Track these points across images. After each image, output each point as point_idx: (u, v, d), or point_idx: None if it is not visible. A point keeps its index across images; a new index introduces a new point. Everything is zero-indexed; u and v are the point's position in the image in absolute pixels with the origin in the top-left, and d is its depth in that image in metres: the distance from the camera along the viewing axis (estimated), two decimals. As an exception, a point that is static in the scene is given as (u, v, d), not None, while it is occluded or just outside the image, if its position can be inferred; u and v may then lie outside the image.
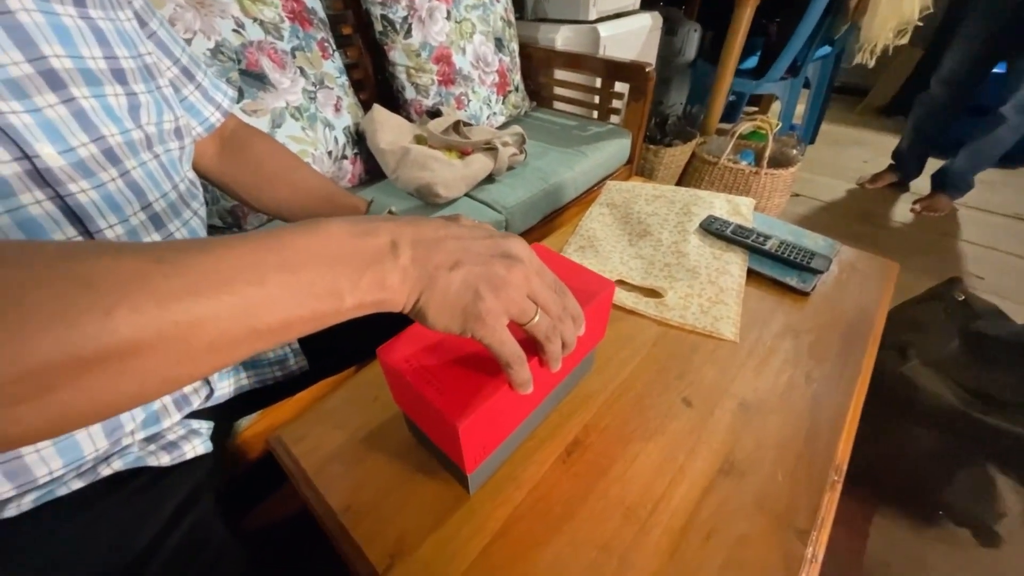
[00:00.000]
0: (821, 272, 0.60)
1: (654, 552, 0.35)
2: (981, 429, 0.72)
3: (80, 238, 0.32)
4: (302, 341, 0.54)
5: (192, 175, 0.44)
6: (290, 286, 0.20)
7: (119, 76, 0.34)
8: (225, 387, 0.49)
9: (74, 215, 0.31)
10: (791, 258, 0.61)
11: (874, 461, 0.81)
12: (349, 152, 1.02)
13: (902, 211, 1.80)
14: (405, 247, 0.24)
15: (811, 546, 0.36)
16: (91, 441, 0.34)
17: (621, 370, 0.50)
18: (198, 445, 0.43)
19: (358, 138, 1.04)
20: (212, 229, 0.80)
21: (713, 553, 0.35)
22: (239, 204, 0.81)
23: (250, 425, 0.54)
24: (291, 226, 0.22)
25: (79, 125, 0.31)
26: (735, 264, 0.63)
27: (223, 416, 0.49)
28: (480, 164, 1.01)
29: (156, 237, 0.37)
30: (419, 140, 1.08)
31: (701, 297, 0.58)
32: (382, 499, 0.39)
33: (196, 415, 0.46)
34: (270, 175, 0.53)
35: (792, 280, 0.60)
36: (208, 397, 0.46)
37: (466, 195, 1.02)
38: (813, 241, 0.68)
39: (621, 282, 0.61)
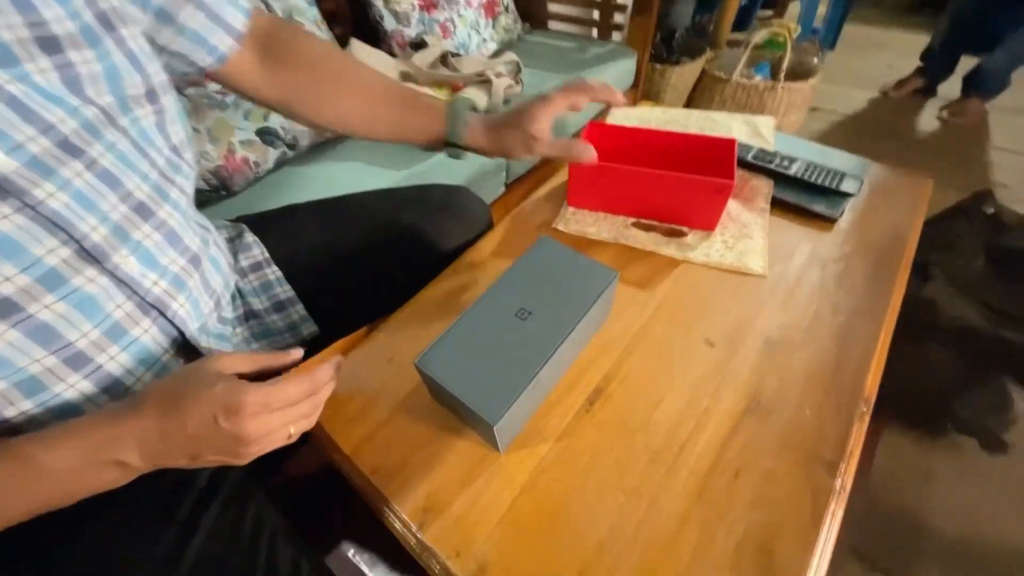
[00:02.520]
0: (851, 195, 0.56)
1: (682, 494, 0.36)
2: (1001, 345, 0.71)
3: (66, 247, 0.29)
4: (310, 306, 0.52)
5: (177, 140, 0.38)
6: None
7: (48, 45, 0.28)
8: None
9: (53, 223, 0.28)
10: (818, 182, 0.57)
11: (886, 382, 0.82)
12: (331, 97, 0.94)
13: (928, 121, 1.68)
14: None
15: (839, 477, 0.36)
16: None
17: (640, 315, 0.48)
18: None
19: (339, 80, 0.95)
20: (198, 193, 0.76)
21: (741, 491, 0.36)
22: (224, 164, 0.76)
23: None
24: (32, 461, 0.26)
25: (18, 116, 0.27)
26: (759, 195, 0.59)
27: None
28: (473, 100, 0.93)
29: (146, 229, 0.34)
30: (405, 77, 0.99)
31: (725, 233, 0.55)
32: (408, 459, 0.39)
33: None
34: (333, 78, 0.46)
35: (819, 206, 0.56)
36: None
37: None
38: (841, 161, 0.63)
39: (638, 223, 0.57)
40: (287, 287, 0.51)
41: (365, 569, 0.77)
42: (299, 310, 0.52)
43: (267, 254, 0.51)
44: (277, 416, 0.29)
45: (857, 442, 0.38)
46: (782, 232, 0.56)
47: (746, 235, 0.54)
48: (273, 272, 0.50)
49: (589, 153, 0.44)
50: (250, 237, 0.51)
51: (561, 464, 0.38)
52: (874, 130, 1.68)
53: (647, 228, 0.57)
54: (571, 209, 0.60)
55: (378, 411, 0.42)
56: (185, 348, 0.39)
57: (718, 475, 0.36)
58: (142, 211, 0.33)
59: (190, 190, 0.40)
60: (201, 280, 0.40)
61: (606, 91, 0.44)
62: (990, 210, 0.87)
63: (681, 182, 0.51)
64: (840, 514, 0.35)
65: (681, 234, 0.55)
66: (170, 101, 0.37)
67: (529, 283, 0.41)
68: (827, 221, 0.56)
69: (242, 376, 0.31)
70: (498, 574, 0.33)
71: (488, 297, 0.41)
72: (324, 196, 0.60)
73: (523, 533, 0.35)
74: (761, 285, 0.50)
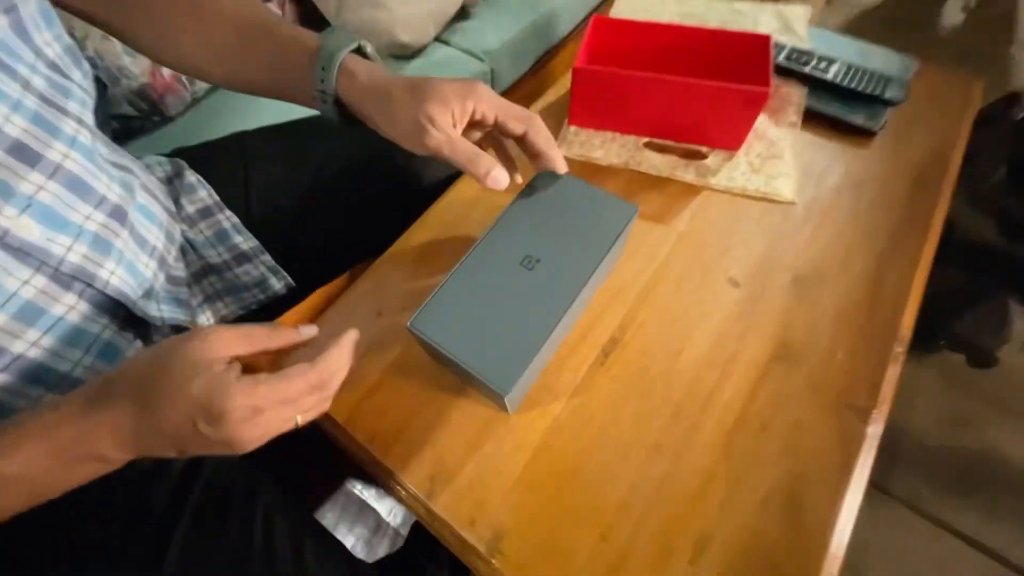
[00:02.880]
0: (897, 104, 0.48)
1: (706, 448, 0.34)
2: (1011, 263, 0.69)
3: None
4: (279, 255, 0.45)
5: (53, 53, 0.29)
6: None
7: None
8: (204, 322, 0.42)
9: None
10: (859, 88, 0.49)
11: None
12: (273, -9, 0.77)
13: (952, 14, 1.52)
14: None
15: (872, 424, 0.34)
16: None
17: (656, 253, 0.43)
18: None
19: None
20: (124, 121, 0.64)
21: (768, 443, 0.34)
22: (150, 83, 0.63)
23: (246, 352, 0.49)
24: None
25: None
26: (790, 105, 0.51)
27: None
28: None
29: (35, 178, 0.25)
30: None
31: (750, 154, 0.48)
32: (408, 424, 0.36)
33: None
34: (169, 5, 0.34)
35: (858, 117, 0.49)
36: None
37: (437, 39, 0.81)
38: (883, 60, 0.54)
39: (651, 143, 0.50)
40: (247, 235, 0.43)
41: (373, 503, 0.79)
42: (266, 261, 0.45)
43: (216, 196, 0.43)
44: (273, 415, 0.24)
45: (890, 385, 0.36)
46: (812, 149, 0.49)
47: (774, 155, 0.48)
48: (228, 219, 0.43)
49: (499, 179, 0.31)
50: (192, 176, 0.43)
51: (576, 422, 0.35)
52: (893, 23, 1.52)
53: (661, 149, 0.49)
54: (573, 129, 0.52)
55: (369, 372, 0.38)
56: (132, 320, 0.33)
57: (745, 427, 0.34)
58: (22, 153, 0.25)
59: (91, 121, 0.30)
60: (133, 237, 0.32)
61: (547, 147, 0.34)
62: (1019, 115, 0.80)
63: (708, 92, 0.43)
64: (871, 462, 0.33)
65: (700, 156, 0.48)
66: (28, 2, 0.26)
67: (533, 224, 0.35)
68: (865, 135, 0.49)
69: (238, 358, 0.25)
70: (516, 541, 0.31)
71: (487, 243, 0.35)
72: (279, 120, 0.50)
73: (539, 497, 0.32)
74: (790, 214, 0.44)
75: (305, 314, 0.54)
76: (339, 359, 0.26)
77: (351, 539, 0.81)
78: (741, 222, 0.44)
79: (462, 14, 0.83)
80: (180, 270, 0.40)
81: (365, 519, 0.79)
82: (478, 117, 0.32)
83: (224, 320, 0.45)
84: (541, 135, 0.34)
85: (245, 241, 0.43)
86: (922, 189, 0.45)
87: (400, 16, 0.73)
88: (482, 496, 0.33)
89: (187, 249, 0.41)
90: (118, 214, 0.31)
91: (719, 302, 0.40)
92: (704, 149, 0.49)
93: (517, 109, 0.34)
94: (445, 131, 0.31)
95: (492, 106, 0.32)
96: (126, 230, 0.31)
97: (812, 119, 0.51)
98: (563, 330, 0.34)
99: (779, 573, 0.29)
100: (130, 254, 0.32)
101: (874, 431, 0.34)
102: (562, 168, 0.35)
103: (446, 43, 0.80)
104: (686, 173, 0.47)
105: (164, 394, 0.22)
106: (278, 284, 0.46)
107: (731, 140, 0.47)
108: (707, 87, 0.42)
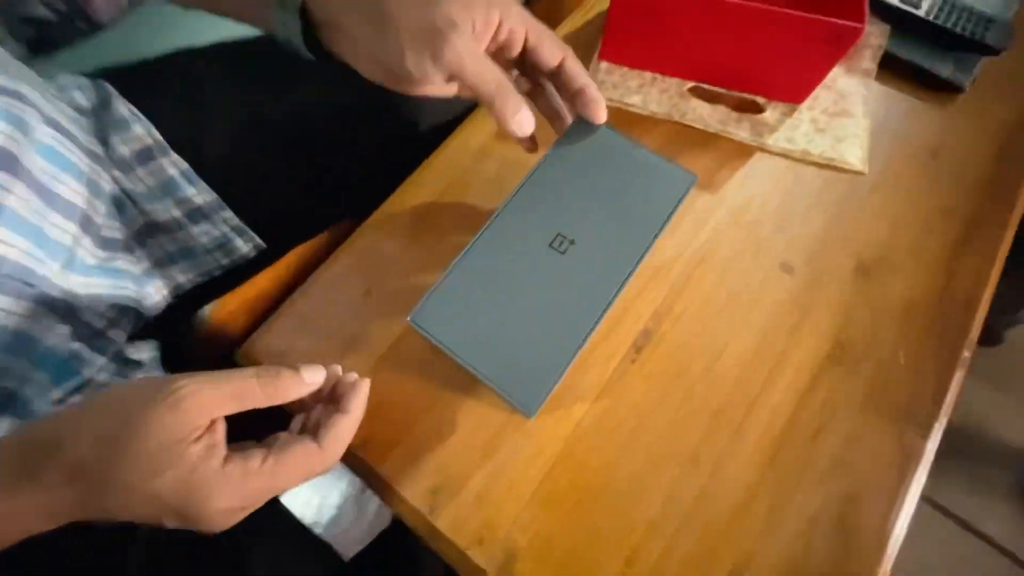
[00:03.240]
0: (997, 51, 0.40)
1: (750, 461, 0.29)
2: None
3: None
4: (241, 210, 0.37)
5: None
6: None
7: None
8: (152, 294, 0.35)
9: None
10: (956, 29, 0.40)
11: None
12: None
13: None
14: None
15: (931, 439, 0.30)
16: None
17: (700, 228, 0.36)
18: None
19: None
20: (39, 27, 0.51)
21: (818, 457, 0.30)
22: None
23: (205, 330, 0.42)
24: None
25: None
26: (866, 48, 0.42)
27: (169, 329, 0.37)
28: None
29: None
30: None
31: (815, 108, 0.40)
32: (408, 428, 0.30)
33: (134, 337, 0.33)
34: None
35: (946, 67, 0.41)
36: (138, 318, 0.33)
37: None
38: (978, -3, 0.44)
39: (698, 89, 0.41)
40: (202, 186, 0.35)
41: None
42: (228, 219, 0.37)
43: (157, 134, 0.34)
44: (264, 499, 0.20)
45: (954, 394, 0.32)
46: (885, 106, 0.41)
47: (843, 111, 0.40)
48: (173, 163, 0.34)
49: (525, 123, 0.25)
50: (123, 107, 0.33)
51: (603, 428, 0.30)
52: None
53: (711, 98, 0.41)
54: (604, 66, 0.42)
55: (359, 364, 0.32)
56: (53, 305, 0.26)
57: (793, 438, 0.30)
58: None
59: None
60: (33, 189, 0.24)
61: (590, 83, 0.26)
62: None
63: (787, 24, 0.34)
64: (924, 477, 0.30)
65: (757, 108, 0.40)
66: None
67: (566, 193, 0.28)
68: (951, 90, 0.41)
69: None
70: (529, 564, 0.27)
71: (508, 215, 0.27)
72: (241, 36, 0.39)
73: (558, 514, 0.28)
74: (856, 186, 0.38)
75: (279, 280, 0.47)
76: (350, 431, 0.23)
77: (337, 496, 0.80)
78: (799, 194, 0.38)
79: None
80: (115, 230, 0.32)
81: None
82: (503, 37, 0.24)
83: (180, 290, 0.37)
84: (581, 66, 0.26)
85: (200, 194, 0.35)
86: (1008, 164, 0.39)
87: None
88: (492, 512, 0.28)
89: (123, 202, 0.33)
90: (6, 160, 0.22)
91: (769, 290, 0.34)
92: (761, 100, 0.40)
93: (552, 32, 0.25)
94: (467, 41, 0.22)
95: (523, 22, 0.24)
96: (20, 182, 0.23)
97: (886, 67, 0.42)
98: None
99: (822, 602, 0.27)
100: (31, 215, 0.24)
101: (932, 445, 0.30)
102: (603, 114, 0.28)
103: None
104: (739, 129, 0.39)
105: (120, 488, 0.17)
106: (245, 246, 0.39)
107: (796, 90, 0.39)
108: (788, 17, 0.33)
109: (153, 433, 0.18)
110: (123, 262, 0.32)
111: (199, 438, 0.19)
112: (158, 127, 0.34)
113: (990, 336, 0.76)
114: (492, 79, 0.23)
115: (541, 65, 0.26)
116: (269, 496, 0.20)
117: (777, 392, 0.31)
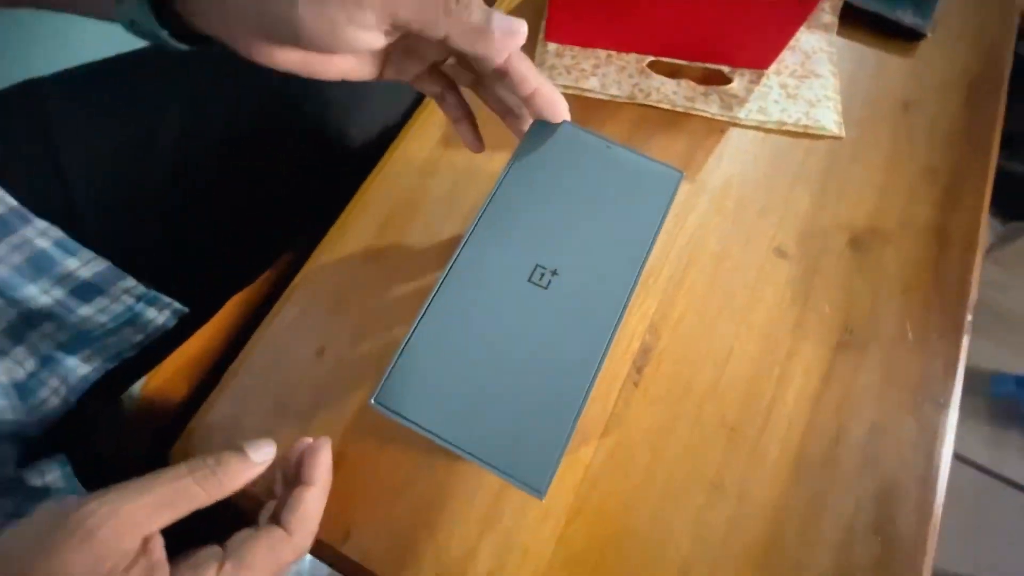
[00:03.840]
0: (955, -7, 0.38)
1: (774, 477, 0.27)
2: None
3: None
4: (148, 267, 0.30)
5: None
6: None
7: None
8: (46, 399, 0.28)
9: None
10: (913, -27, 0.38)
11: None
12: None
13: None
14: None
15: (951, 410, 0.29)
16: None
17: (683, 221, 0.33)
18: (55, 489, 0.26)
19: None
20: None
21: (845, 458, 0.28)
22: None
23: (135, 409, 0.35)
24: None
25: None
26: (824, 1, 0.39)
27: (73, 435, 0.30)
28: None
29: None
30: None
31: (782, 73, 0.37)
32: (391, 508, 0.26)
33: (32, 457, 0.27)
34: None
35: (906, 14, 0.39)
36: (24, 443, 0.26)
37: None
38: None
39: (658, 62, 0.37)
40: (86, 254, 0.28)
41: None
42: (131, 288, 0.30)
43: (10, 199, 0.26)
44: None
45: (963, 363, 0.30)
46: (851, 60, 0.39)
47: (811, 72, 0.37)
48: (41, 232, 0.27)
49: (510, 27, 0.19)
50: None
51: (615, 468, 0.27)
52: None
53: (673, 72, 0.37)
54: (553, 47, 0.37)
55: (320, 436, 0.27)
56: None
57: (815, 443, 0.28)
58: None
59: None
60: None
61: (540, 77, 0.21)
62: None
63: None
64: (951, 449, 0.28)
65: (723, 79, 0.37)
66: None
67: (537, 213, 0.23)
68: (913, 37, 0.39)
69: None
70: (561, 642, 0.24)
71: (473, 249, 0.23)
72: (95, 55, 0.32)
73: (583, 573, 0.25)
74: (837, 152, 0.35)
75: (222, 335, 0.40)
76: (318, 506, 0.21)
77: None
78: (780, 169, 0.35)
79: None
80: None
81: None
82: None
83: (85, 384, 0.30)
84: (526, 61, 0.21)
85: (84, 264, 0.28)
86: (977, 107, 0.38)
87: None
88: (508, 590, 0.25)
89: (-22, 294, 0.25)
90: None
91: (767, 281, 0.31)
92: (726, 70, 0.37)
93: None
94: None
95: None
96: None
97: (846, 21, 0.40)
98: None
99: (870, 615, 0.25)
100: None
101: (953, 415, 0.29)
102: (562, 109, 0.23)
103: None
104: (708, 105, 0.36)
105: None
106: (160, 316, 0.32)
107: (762, 55, 0.36)
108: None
109: (60, 564, 0.14)
110: (-8, 373, 0.25)
111: (130, 566, 0.16)
112: (10, 189, 0.26)
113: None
114: (473, 32, 0.18)
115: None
116: None
117: (790, 395, 0.29)
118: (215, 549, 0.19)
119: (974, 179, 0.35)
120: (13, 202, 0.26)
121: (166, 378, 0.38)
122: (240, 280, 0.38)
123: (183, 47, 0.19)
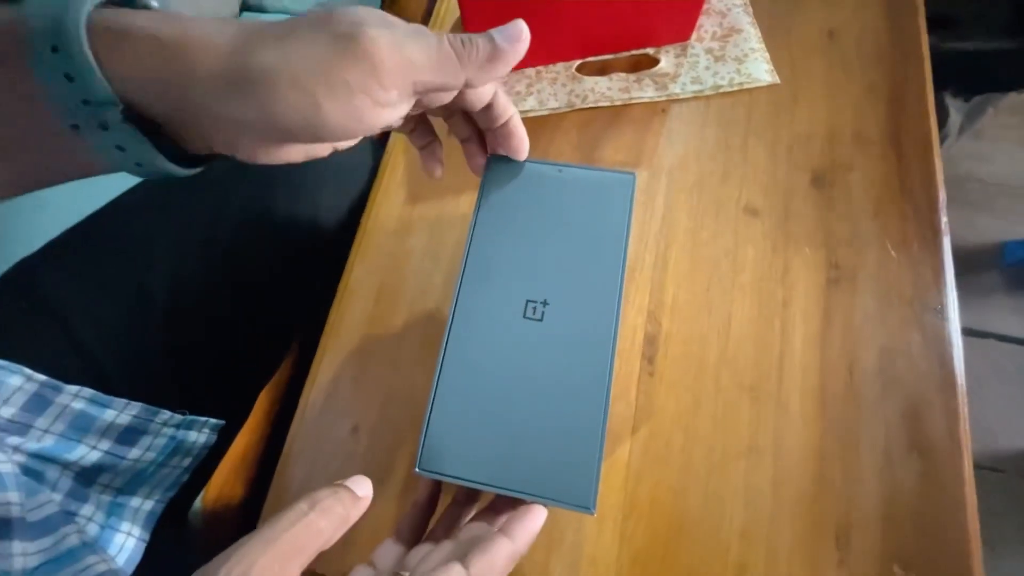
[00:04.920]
0: (846, -86, 0.39)
1: (803, 425, 0.28)
2: (943, 61, 0.67)
3: None
4: (185, 400, 0.32)
5: None
6: None
7: None
8: (122, 543, 0.30)
9: None
10: (799, -93, 0.39)
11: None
12: None
13: None
14: None
15: (951, 311, 0.30)
16: None
17: (651, 208, 0.34)
18: None
19: None
20: None
21: (863, 388, 0.29)
22: None
23: (202, 522, 0.37)
24: None
25: None
26: (725, -45, 0.40)
27: (159, 558, 0.32)
28: None
29: None
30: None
31: (704, 39, 0.38)
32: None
33: None
34: None
35: (806, -52, 0.40)
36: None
37: (245, 8, 0.60)
38: None
39: (585, 63, 0.38)
40: (119, 403, 0.30)
41: None
42: (167, 420, 0.32)
43: (38, 375, 0.28)
44: None
45: (950, 264, 0.31)
46: (763, 8, 0.40)
47: (731, 30, 0.38)
48: (74, 395, 0.29)
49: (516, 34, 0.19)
50: None
51: (654, 458, 0.28)
52: None
53: (603, 69, 0.38)
54: (484, 79, 0.39)
55: (385, 509, 0.29)
56: None
57: (832, 381, 0.29)
58: None
59: None
60: None
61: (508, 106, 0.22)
62: None
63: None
64: (960, 346, 0.29)
65: (651, 61, 0.38)
66: None
67: (513, 250, 0.25)
68: (819, -33, 0.40)
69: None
70: (649, 634, 0.25)
71: (465, 302, 0.24)
72: (66, 221, 0.34)
73: (652, 567, 0.26)
74: (778, 98, 0.36)
75: (259, 431, 0.42)
76: (507, 563, 0.19)
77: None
78: (729, 131, 0.36)
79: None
80: (43, 507, 0.26)
81: None
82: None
83: (153, 516, 0.32)
84: (505, 94, 0.22)
85: (120, 412, 0.30)
86: (897, 14, 0.38)
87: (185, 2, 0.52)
88: (588, 599, 0.26)
89: (36, 469, 0.27)
90: None
91: (746, 242, 0.33)
92: (651, 51, 0.38)
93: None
94: (384, 25, 0.16)
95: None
96: None
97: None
98: None
99: (931, 522, 0.26)
100: None
101: (954, 315, 0.30)
102: (525, 149, 0.24)
103: (260, 10, 0.60)
104: (644, 90, 0.37)
105: None
106: (201, 435, 0.34)
107: (681, 27, 0.37)
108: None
109: None
110: (70, 536, 0.27)
111: None
112: (32, 365, 0.28)
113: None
114: (454, 41, 0.17)
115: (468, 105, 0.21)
116: None
117: (797, 342, 0.30)
118: (393, 549, 0.21)
119: (912, 83, 0.36)
120: (42, 377, 0.28)
121: (220, 486, 0.40)
122: (262, 378, 0.39)
123: (186, 172, 0.18)
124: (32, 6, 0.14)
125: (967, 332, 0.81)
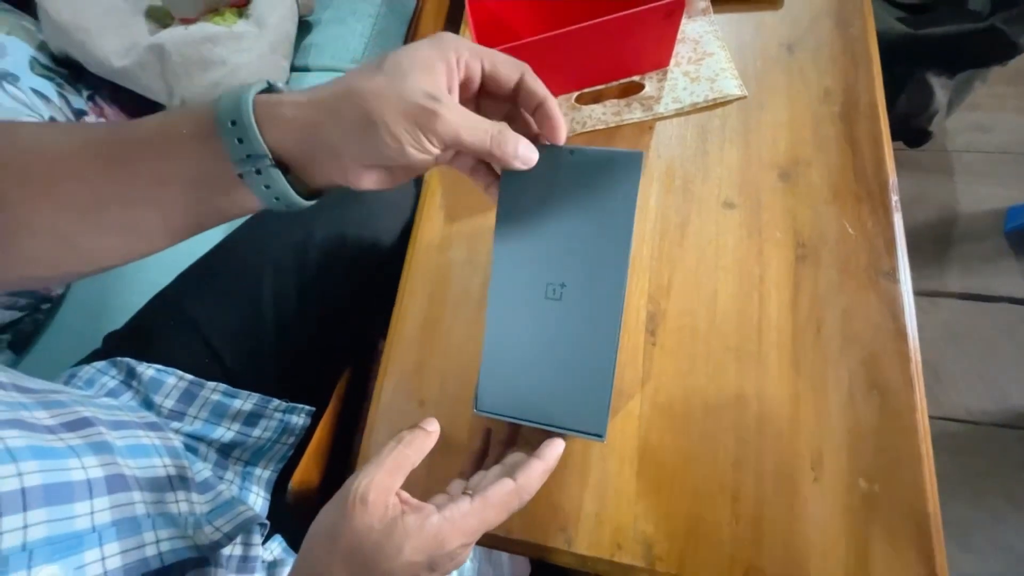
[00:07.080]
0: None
1: (781, 375, 0.35)
2: (920, 43, 0.72)
3: None
4: (280, 389, 0.41)
5: None
6: None
7: None
8: (256, 500, 0.39)
9: None
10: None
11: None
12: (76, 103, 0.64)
13: None
14: None
15: (902, 275, 0.36)
16: None
17: (645, 208, 0.41)
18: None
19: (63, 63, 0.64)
20: (13, 331, 0.54)
21: (828, 342, 0.35)
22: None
23: (294, 500, 0.46)
24: None
25: None
26: (694, -9, 0.47)
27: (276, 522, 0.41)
28: (277, 12, 0.66)
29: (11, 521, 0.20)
30: (157, 17, 0.68)
31: (681, 63, 0.45)
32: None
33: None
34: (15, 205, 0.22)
35: (763, -23, 0.47)
36: (261, 527, 0.36)
37: (293, 69, 0.71)
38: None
39: (582, 95, 0.46)
40: (244, 394, 0.39)
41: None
42: (277, 407, 0.41)
43: (187, 375, 0.38)
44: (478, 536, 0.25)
45: (901, 235, 0.37)
46: (732, 31, 0.47)
47: (704, 53, 0.45)
48: (212, 390, 0.38)
49: (529, 155, 0.25)
50: (147, 369, 0.37)
51: (661, 410, 0.36)
52: None
53: (597, 97, 0.46)
54: (500, 115, 0.47)
55: (454, 465, 0.37)
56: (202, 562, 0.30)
57: (802, 339, 0.35)
58: None
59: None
60: (141, 488, 0.28)
61: (548, 94, 0.25)
62: None
63: (626, 23, 0.39)
64: (912, 303, 0.35)
65: (638, 88, 0.46)
66: None
67: (533, 235, 0.30)
68: (776, -8, 0.47)
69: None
70: (664, 542, 0.32)
71: (498, 289, 0.31)
72: (188, 256, 0.44)
73: (663, 495, 0.33)
74: (747, 109, 0.43)
75: (329, 426, 0.51)
76: (541, 477, 0.26)
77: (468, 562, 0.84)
78: (708, 140, 0.43)
79: (304, 28, 0.72)
80: (202, 471, 0.36)
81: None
82: (463, 75, 0.24)
83: (271, 484, 0.41)
84: (539, 81, 0.25)
85: (245, 401, 0.39)
86: (847, 23, 0.45)
87: (242, 63, 0.63)
88: (615, 519, 0.33)
89: (193, 445, 0.37)
90: (117, 483, 0.26)
91: (725, 230, 0.40)
92: (637, 78, 0.46)
93: (502, 53, 0.25)
94: (453, 105, 0.22)
95: (475, 53, 0.23)
96: (136, 491, 0.27)
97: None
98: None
99: (888, 444, 0.32)
100: (154, 508, 0.28)
101: (904, 277, 0.36)
102: (562, 133, 0.26)
103: (305, 69, 0.70)
104: (632, 112, 0.44)
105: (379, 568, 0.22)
106: (300, 419, 0.43)
107: (659, 58, 0.45)
108: (623, 19, 0.38)
109: (367, 534, 0.22)
110: (224, 492, 0.36)
111: (402, 513, 0.22)
112: (180, 367, 0.38)
113: (918, 137, 0.83)
114: (485, 130, 0.23)
115: (501, 87, 0.25)
116: (483, 531, 0.24)
117: (772, 308, 0.37)
118: (460, 482, 0.27)
119: (863, 82, 0.42)
120: (190, 377, 0.38)
121: (303, 472, 0.49)
122: (338, 373, 0.48)
123: (307, 203, 0.24)
124: (221, 100, 0.22)
125: (973, 297, 0.84)
